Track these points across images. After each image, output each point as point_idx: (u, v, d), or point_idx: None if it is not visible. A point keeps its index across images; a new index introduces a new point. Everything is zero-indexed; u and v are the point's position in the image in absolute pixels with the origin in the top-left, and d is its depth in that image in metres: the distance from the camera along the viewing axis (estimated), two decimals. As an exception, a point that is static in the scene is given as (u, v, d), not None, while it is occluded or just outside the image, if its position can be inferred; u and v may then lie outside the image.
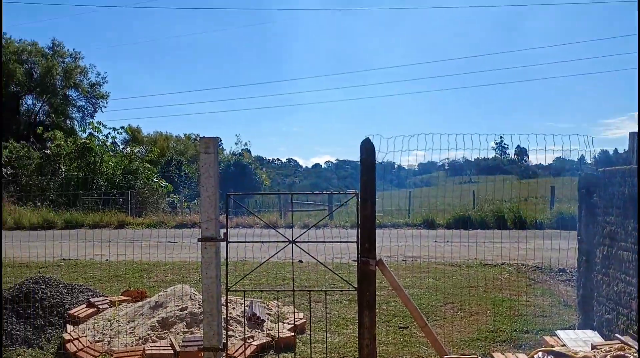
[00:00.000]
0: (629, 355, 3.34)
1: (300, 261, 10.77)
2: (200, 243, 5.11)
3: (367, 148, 5.18)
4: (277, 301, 7.34)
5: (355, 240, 5.06)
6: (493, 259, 10.31)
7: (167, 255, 10.99)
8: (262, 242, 5.03)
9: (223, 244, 4.81)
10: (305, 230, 5.49)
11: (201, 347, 4.66)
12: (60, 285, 6.98)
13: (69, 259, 10.49)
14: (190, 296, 6.76)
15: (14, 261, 10.34)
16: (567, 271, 9.77)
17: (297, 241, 5.03)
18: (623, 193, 4.20)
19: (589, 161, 5.40)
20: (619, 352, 3.39)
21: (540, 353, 3.58)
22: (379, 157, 5.13)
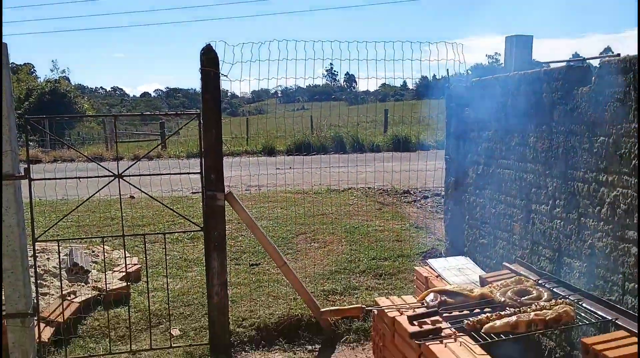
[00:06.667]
0: (531, 289, 2.95)
1: (132, 197, 9.59)
2: (-9, 182, 3.91)
3: (209, 57, 4.19)
4: (104, 245, 6.25)
5: (199, 171, 4.18)
6: (339, 184, 9.97)
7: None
8: (79, 178, 3.94)
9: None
10: (134, 162, 4.48)
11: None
12: None
13: None
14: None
15: None
16: (412, 192, 9.74)
17: (124, 176, 4.04)
18: (505, 105, 3.76)
19: (452, 74, 4.93)
20: (519, 286, 2.99)
21: (432, 295, 3.08)
22: (225, 69, 4.21)
